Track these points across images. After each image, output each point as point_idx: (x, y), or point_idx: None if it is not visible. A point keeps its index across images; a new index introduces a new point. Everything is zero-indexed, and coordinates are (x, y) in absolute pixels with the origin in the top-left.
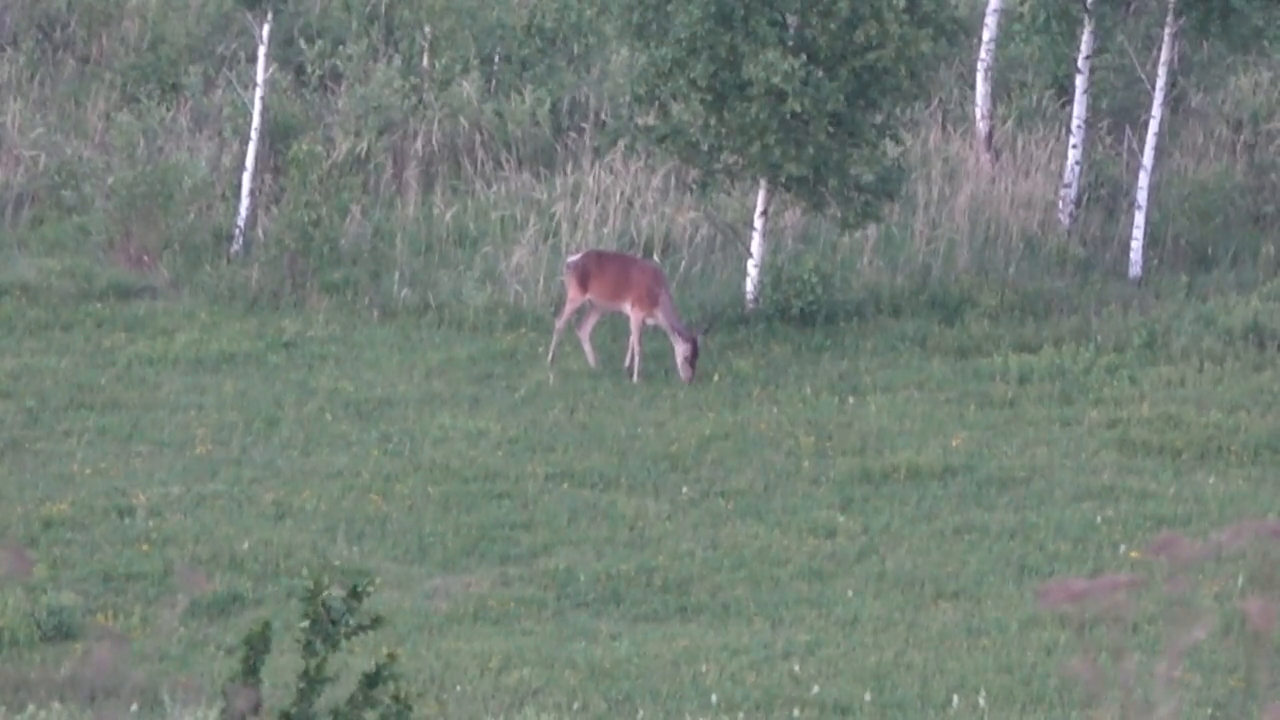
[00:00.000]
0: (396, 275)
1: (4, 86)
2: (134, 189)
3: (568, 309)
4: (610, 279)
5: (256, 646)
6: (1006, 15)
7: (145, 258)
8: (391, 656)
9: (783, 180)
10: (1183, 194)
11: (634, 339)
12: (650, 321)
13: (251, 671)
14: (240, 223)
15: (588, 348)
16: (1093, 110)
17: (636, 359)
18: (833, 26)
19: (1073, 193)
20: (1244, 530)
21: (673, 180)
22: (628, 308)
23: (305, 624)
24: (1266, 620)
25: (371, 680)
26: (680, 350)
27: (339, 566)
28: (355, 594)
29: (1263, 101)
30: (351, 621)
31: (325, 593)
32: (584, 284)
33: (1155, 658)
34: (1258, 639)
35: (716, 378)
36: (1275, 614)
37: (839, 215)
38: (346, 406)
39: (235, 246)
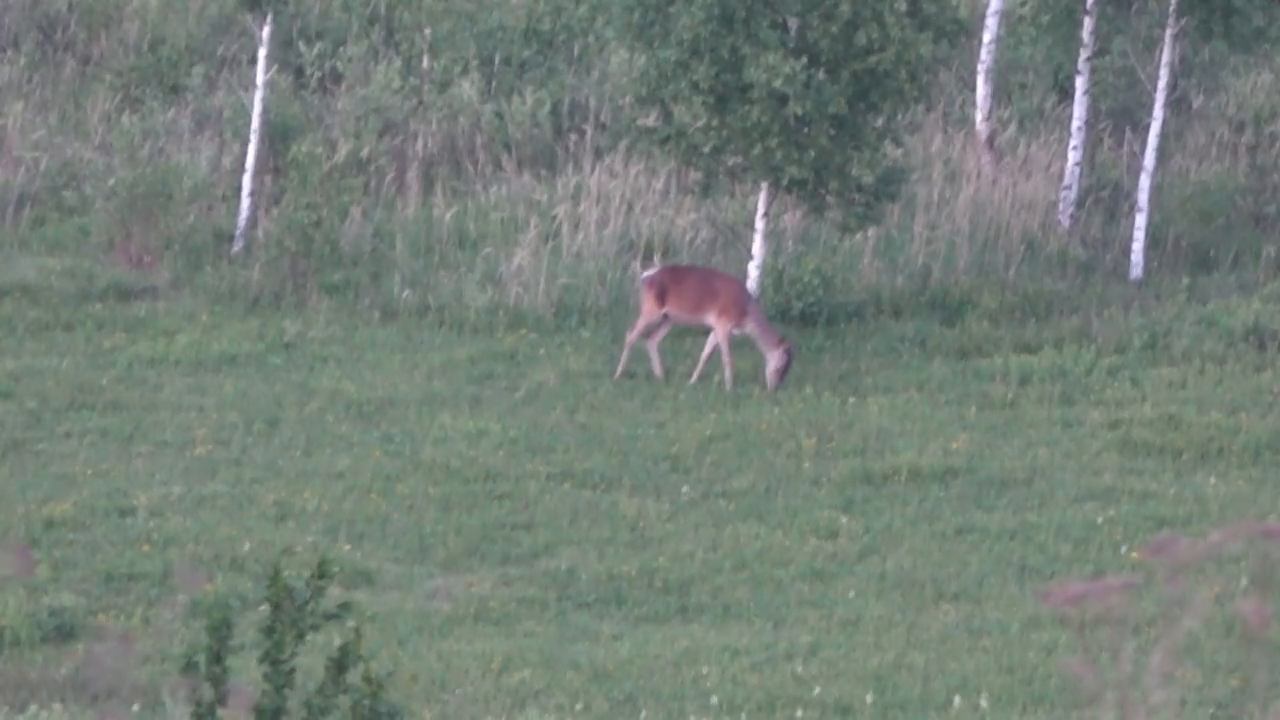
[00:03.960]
0: (397, 276)
1: (4, 88)
2: (134, 190)
3: (641, 323)
4: (691, 292)
5: (220, 633)
6: (1007, 17)
7: (146, 259)
8: (357, 632)
9: (784, 183)
10: (1184, 195)
11: (724, 352)
12: (737, 331)
13: (217, 660)
14: (241, 224)
15: (655, 357)
16: (1094, 112)
17: (727, 369)
18: (834, 29)
19: (1073, 194)
20: (1242, 531)
21: (674, 182)
22: (712, 319)
23: (267, 609)
24: (1261, 621)
25: (340, 664)
26: (772, 361)
27: (300, 554)
28: (321, 574)
29: (1264, 103)
30: (316, 609)
31: (284, 576)
32: (661, 299)
33: (1154, 657)
34: (1253, 640)
35: (717, 379)
36: (1270, 615)
37: (839, 218)
38: (347, 407)
39: (236, 247)
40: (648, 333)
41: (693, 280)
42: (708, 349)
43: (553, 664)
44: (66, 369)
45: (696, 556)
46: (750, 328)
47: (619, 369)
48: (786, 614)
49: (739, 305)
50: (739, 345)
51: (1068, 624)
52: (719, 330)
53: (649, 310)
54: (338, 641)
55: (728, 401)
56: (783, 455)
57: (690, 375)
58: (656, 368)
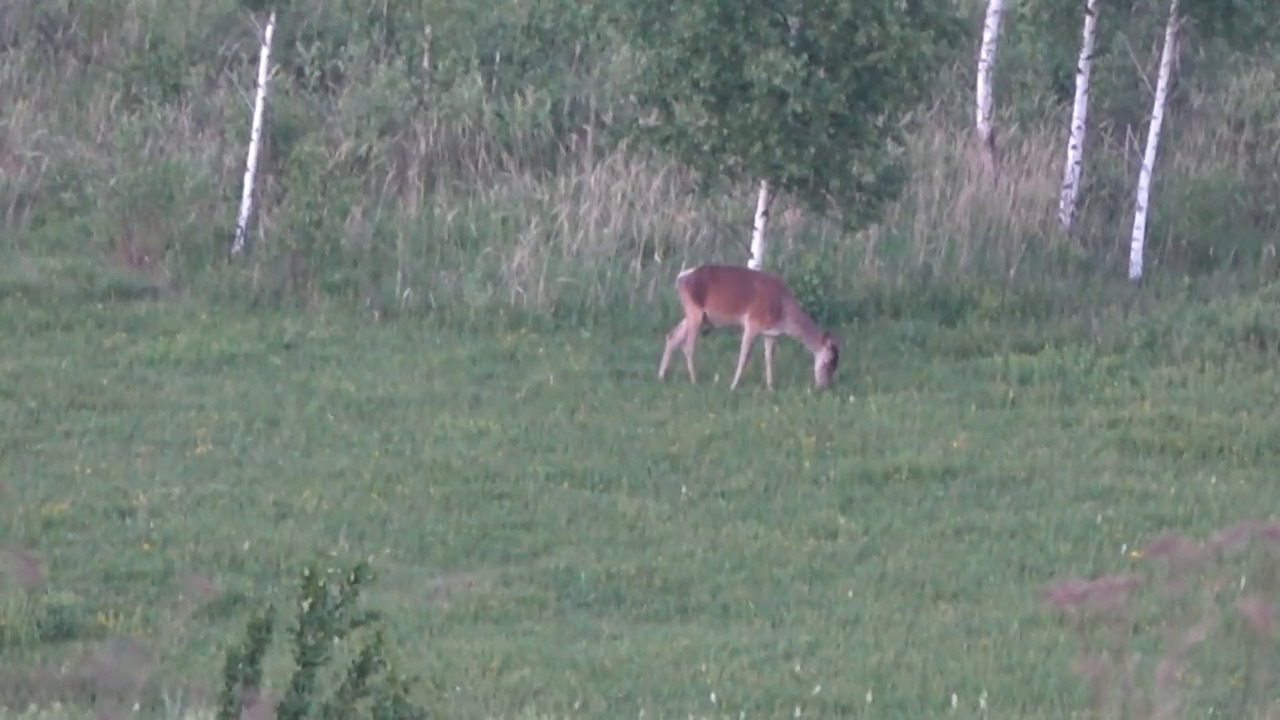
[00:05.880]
0: (398, 276)
1: (5, 87)
2: (135, 189)
3: (692, 330)
4: (729, 293)
5: (260, 633)
6: (1007, 16)
7: (146, 258)
8: (380, 637)
9: (784, 181)
10: (1184, 194)
11: (743, 352)
12: (771, 333)
13: (252, 660)
14: (242, 223)
15: (667, 355)
16: (1094, 110)
17: (738, 369)
18: (834, 28)
19: (1074, 193)
20: (1244, 531)
21: (674, 181)
22: (744, 320)
23: (305, 606)
24: (1265, 621)
25: (362, 668)
26: (820, 359)
27: (335, 557)
28: (357, 578)
29: (1264, 101)
30: (346, 615)
31: (323, 580)
32: (701, 299)
33: (1156, 658)
34: (1256, 639)
35: (717, 377)
36: (1273, 615)
37: (840, 216)
38: (347, 407)
39: (237, 247)
40: (701, 334)
41: (731, 280)
42: (768, 352)
43: (552, 663)
44: (66, 369)
45: (696, 556)
46: (790, 328)
47: (693, 375)
48: (785, 613)
49: (774, 308)
50: (732, 347)
51: (1067, 623)
52: (746, 331)
53: (693, 313)
54: (358, 646)
55: (727, 401)
56: (782, 454)
57: (766, 381)
58: (661, 367)
